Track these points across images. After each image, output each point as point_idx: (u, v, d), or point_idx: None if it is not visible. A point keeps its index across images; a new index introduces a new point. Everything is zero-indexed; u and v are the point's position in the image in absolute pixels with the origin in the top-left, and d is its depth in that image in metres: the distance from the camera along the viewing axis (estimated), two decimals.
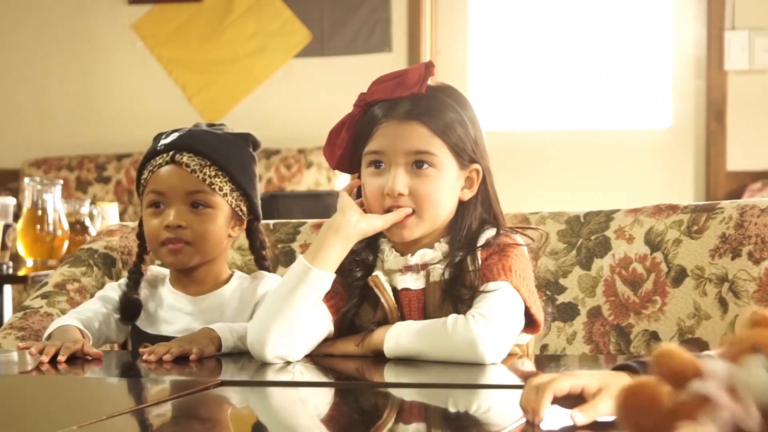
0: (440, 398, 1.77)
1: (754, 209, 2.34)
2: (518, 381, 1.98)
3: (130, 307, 2.30)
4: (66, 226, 4.08)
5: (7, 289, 3.98)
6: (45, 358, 2.02)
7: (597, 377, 1.43)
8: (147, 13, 6.13)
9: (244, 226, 2.33)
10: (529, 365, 2.08)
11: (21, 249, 4.06)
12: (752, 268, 2.30)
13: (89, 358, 2.08)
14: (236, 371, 2.03)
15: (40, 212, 4.03)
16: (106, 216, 4.38)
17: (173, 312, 2.30)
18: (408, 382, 1.92)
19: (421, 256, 2.10)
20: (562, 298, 2.43)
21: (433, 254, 2.10)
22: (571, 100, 5.70)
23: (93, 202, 4.55)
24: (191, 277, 2.30)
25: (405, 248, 2.12)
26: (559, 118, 5.71)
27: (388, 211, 2.07)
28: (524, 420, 1.41)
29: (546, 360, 2.21)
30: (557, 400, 1.41)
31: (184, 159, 2.25)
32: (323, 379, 1.91)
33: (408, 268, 2.11)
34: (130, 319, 2.31)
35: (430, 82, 2.11)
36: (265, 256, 2.37)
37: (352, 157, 2.16)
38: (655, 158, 5.61)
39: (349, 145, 2.14)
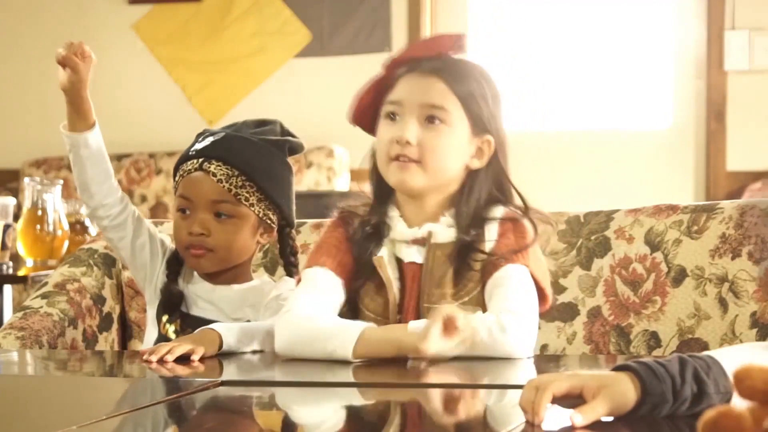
0: (440, 399, 1.77)
1: (754, 209, 2.34)
2: (518, 381, 1.98)
3: (171, 299, 2.33)
4: (66, 226, 4.08)
5: (7, 289, 3.98)
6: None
7: (597, 378, 1.42)
8: (147, 13, 6.13)
9: (274, 233, 2.34)
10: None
11: (21, 249, 4.06)
12: (752, 268, 2.30)
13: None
14: (236, 371, 2.03)
15: (40, 212, 4.02)
16: None
17: (197, 297, 2.33)
18: (408, 383, 1.92)
19: (428, 230, 2.11)
20: (562, 298, 2.43)
21: (439, 228, 2.11)
22: (571, 100, 5.70)
23: None
24: (214, 276, 2.33)
25: (412, 218, 2.13)
26: (558, 118, 5.71)
27: (395, 159, 2.07)
28: (524, 420, 1.41)
29: (546, 360, 2.21)
30: (557, 400, 1.41)
31: (212, 168, 2.27)
32: (323, 379, 1.91)
33: (415, 241, 2.11)
34: (171, 309, 2.32)
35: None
36: (294, 263, 2.39)
37: (372, 117, 2.16)
38: (655, 158, 5.61)
39: (372, 103, 2.16)
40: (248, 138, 2.32)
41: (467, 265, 2.07)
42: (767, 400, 1.00)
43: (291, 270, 2.38)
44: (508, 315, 1.99)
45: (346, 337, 1.98)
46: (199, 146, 2.31)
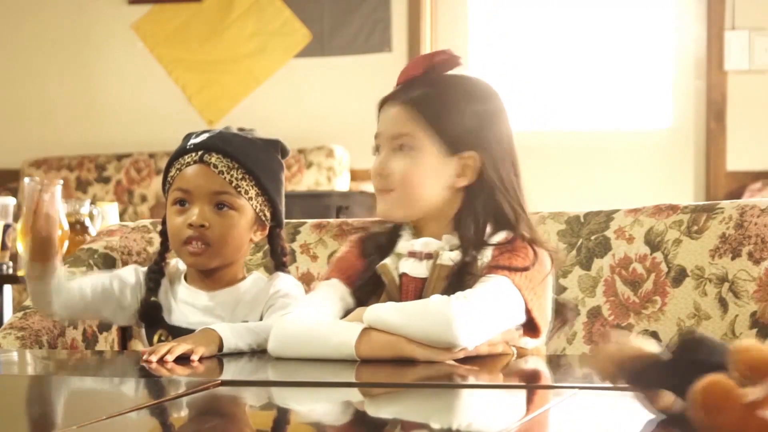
0: (440, 398, 1.77)
1: (754, 209, 2.34)
2: (517, 381, 1.98)
3: (150, 311, 2.31)
4: (66, 226, 4.07)
5: (7, 289, 3.98)
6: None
7: None
8: (147, 13, 6.13)
9: (266, 232, 2.35)
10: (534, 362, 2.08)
11: (21, 249, 4.05)
12: (752, 268, 2.30)
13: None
14: (236, 371, 2.03)
15: None
16: (106, 216, 4.38)
17: (187, 306, 2.32)
18: (408, 383, 1.92)
19: (425, 244, 2.11)
20: (562, 298, 2.43)
21: (439, 245, 2.10)
22: (570, 100, 5.70)
23: (93, 202, 4.55)
24: (208, 275, 2.32)
25: (418, 234, 2.13)
26: (558, 118, 5.71)
27: (381, 190, 2.11)
28: (524, 420, 1.40)
29: (546, 360, 2.21)
30: None
31: (213, 160, 2.27)
32: (323, 378, 1.91)
33: (412, 254, 2.11)
34: (151, 323, 2.31)
35: (456, 71, 2.14)
36: (285, 263, 2.39)
37: None
38: (655, 158, 5.61)
39: None
40: (244, 135, 2.33)
41: (462, 285, 2.03)
42: (757, 378, 1.01)
43: (282, 270, 2.38)
44: (460, 299, 1.96)
45: (349, 333, 1.98)
46: (196, 140, 2.30)
